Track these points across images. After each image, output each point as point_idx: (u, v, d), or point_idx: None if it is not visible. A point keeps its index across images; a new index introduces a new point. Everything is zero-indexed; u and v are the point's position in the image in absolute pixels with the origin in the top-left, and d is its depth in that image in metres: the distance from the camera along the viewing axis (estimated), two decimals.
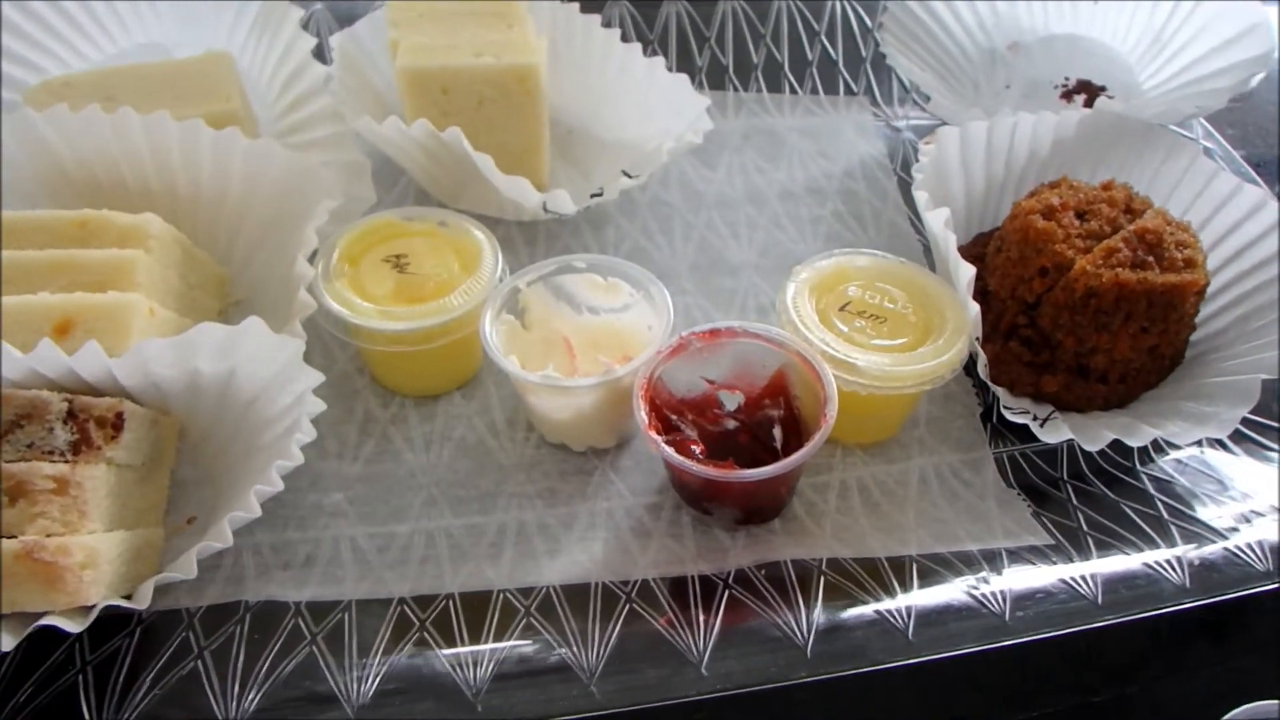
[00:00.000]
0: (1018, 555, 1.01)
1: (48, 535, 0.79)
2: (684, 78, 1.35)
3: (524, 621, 0.94)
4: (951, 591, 0.97)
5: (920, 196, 1.14)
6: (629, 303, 1.08)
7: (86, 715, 0.84)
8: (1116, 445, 1.05)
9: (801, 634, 0.93)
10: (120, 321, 0.90)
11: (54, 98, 1.12)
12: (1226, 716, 0.87)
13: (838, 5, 1.62)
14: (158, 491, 0.97)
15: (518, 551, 1.00)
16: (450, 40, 1.24)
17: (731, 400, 1.04)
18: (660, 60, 1.36)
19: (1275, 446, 1.12)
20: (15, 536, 0.78)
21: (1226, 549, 1.02)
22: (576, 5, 1.40)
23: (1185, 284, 1.03)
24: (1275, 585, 0.98)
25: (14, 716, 0.84)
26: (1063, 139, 1.26)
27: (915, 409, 1.14)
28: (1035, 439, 1.07)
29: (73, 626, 0.81)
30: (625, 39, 1.40)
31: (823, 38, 1.61)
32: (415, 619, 0.94)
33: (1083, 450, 1.09)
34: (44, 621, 0.80)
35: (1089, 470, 1.11)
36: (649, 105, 1.38)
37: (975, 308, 1.03)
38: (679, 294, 1.25)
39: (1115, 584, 0.98)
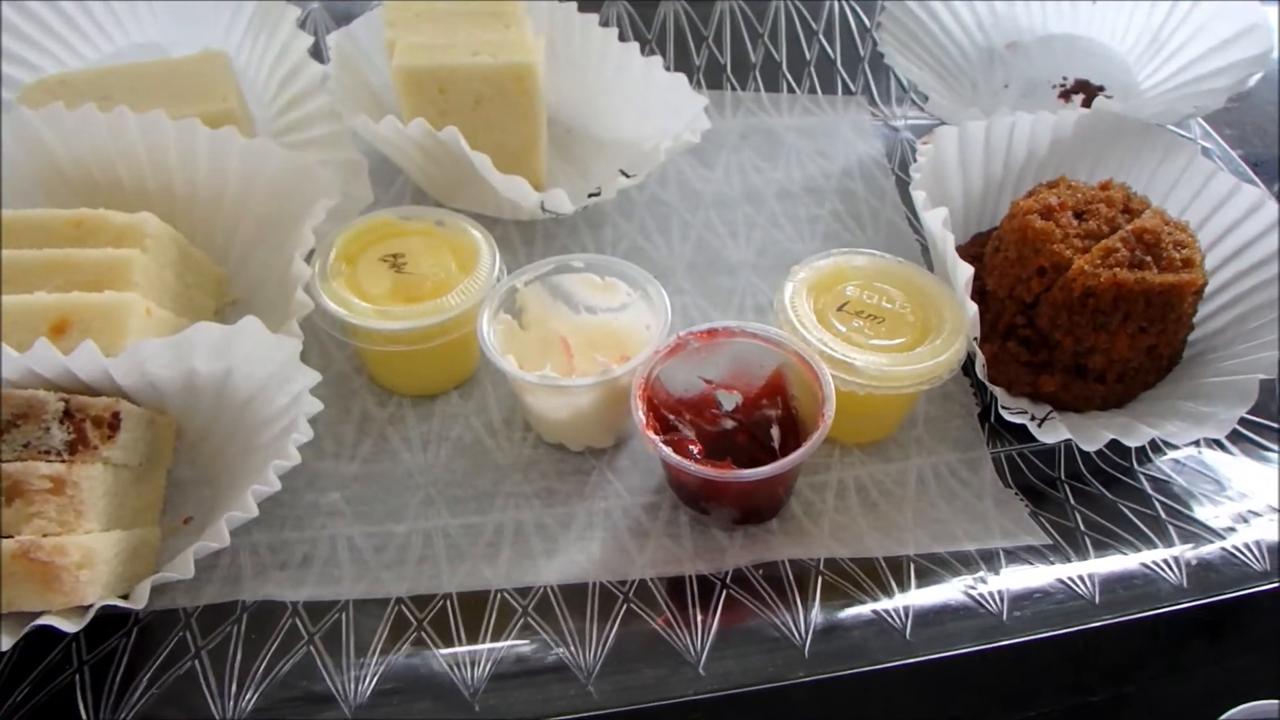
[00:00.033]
0: (1015, 555, 1.01)
1: (44, 535, 0.79)
2: (681, 77, 1.34)
3: (521, 621, 0.94)
4: (949, 591, 0.97)
5: (918, 196, 1.14)
6: (626, 302, 1.08)
7: (84, 715, 0.84)
8: (1114, 445, 1.05)
9: (799, 634, 0.93)
10: (117, 321, 0.90)
11: (50, 97, 1.12)
12: (1223, 716, 0.87)
13: (836, 4, 1.62)
14: (154, 491, 0.97)
15: (515, 551, 1.00)
16: (447, 39, 1.24)
17: (729, 400, 1.04)
18: (658, 60, 1.36)
19: (1273, 447, 1.13)
20: (12, 536, 0.78)
21: (1224, 549, 1.02)
22: (574, 4, 1.40)
23: (1183, 284, 1.03)
24: (1272, 585, 0.98)
25: (11, 716, 0.84)
26: (1061, 139, 1.26)
27: (913, 409, 1.14)
28: (1033, 439, 1.07)
29: (70, 626, 0.81)
30: (623, 38, 1.40)
31: (821, 37, 1.61)
32: (413, 619, 0.94)
33: (1080, 450, 1.09)
34: (41, 621, 0.80)
35: (1086, 470, 1.12)
36: (647, 105, 1.38)
37: (973, 307, 1.03)
38: (676, 293, 1.26)
39: (1113, 584, 0.98)
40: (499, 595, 0.96)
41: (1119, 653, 0.97)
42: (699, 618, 0.94)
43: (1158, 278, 1.03)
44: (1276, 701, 0.88)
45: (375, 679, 0.89)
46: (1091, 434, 1.04)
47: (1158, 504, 1.07)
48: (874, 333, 1.04)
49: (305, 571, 0.98)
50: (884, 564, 1.00)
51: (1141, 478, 1.10)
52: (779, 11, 1.60)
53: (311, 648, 0.91)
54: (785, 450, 0.98)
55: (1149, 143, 1.25)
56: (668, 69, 1.36)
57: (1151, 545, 1.02)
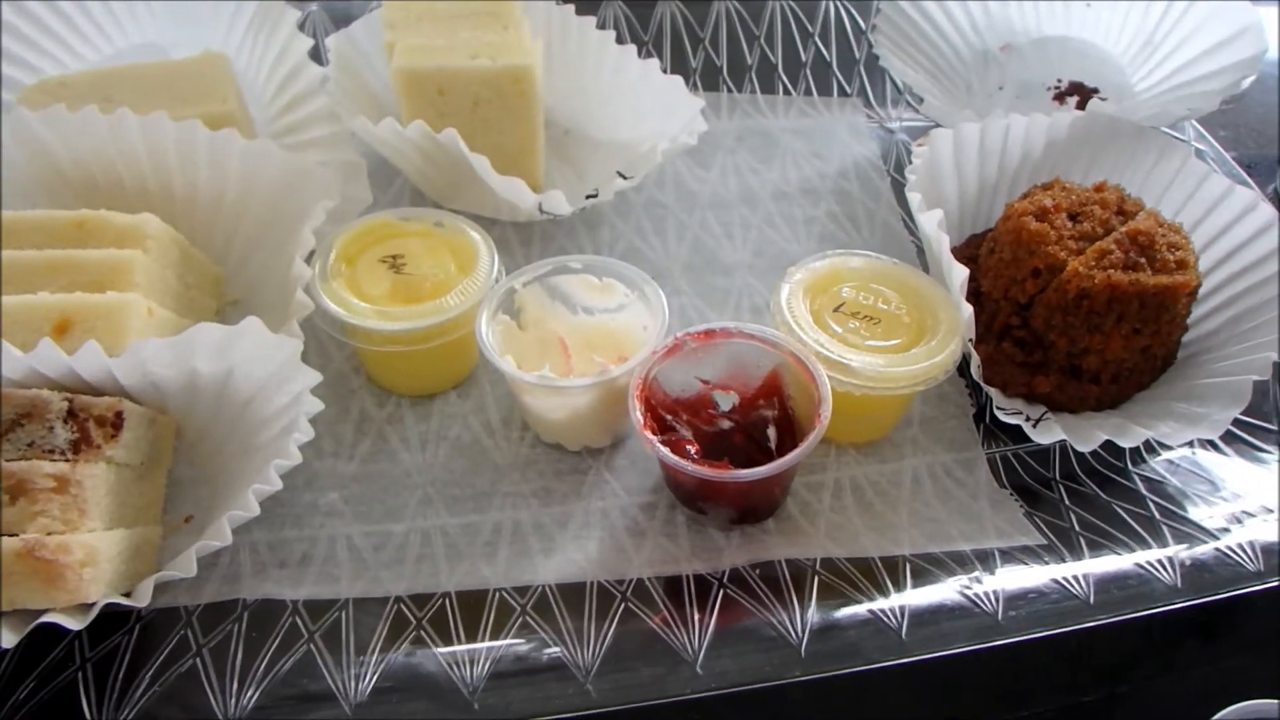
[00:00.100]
0: (1010, 555, 1.02)
1: (48, 533, 0.79)
2: (678, 79, 1.35)
3: (520, 620, 0.95)
4: (944, 591, 0.98)
5: (914, 198, 1.15)
6: (624, 303, 1.08)
7: (87, 712, 0.85)
8: (1108, 446, 1.05)
9: (796, 633, 0.93)
10: (119, 321, 0.91)
11: (50, 98, 1.12)
12: (1217, 716, 0.88)
13: (831, 6, 1.63)
14: (155, 490, 0.98)
15: (513, 550, 1.01)
16: (446, 41, 1.25)
17: (726, 400, 1.04)
18: (655, 62, 1.37)
19: (1266, 447, 1.13)
20: (16, 535, 0.79)
21: (1217, 549, 1.02)
22: (571, 7, 1.40)
23: (1177, 285, 1.04)
24: (1265, 585, 0.99)
25: (14, 713, 0.84)
26: (1055, 141, 1.27)
27: (909, 409, 1.14)
28: (1028, 439, 1.08)
29: (73, 624, 0.82)
30: (619, 40, 1.40)
31: (816, 39, 1.62)
32: (412, 617, 0.94)
33: (1075, 451, 1.09)
34: (44, 619, 0.81)
35: (1081, 470, 1.12)
36: (643, 107, 1.38)
37: (968, 309, 1.04)
38: (673, 294, 1.26)
39: (1107, 584, 0.99)
40: (497, 594, 0.97)
41: (1113, 652, 0.97)
42: (696, 617, 0.95)
43: (1152, 279, 1.03)
44: (1270, 701, 0.89)
45: (375, 677, 0.89)
46: (1086, 435, 1.05)
47: (1152, 504, 1.07)
48: (870, 334, 1.04)
49: (304, 570, 0.98)
50: (880, 564, 1.00)
51: (1136, 478, 1.11)
52: (775, 14, 1.61)
53: (311, 646, 0.91)
54: (782, 450, 0.98)
55: (1143, 145, 1.25)
56: (664, 71, 1.37)
57: (1146, 545, 1.03)
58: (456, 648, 0.92)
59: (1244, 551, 1.01)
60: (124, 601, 0.86)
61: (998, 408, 1.08)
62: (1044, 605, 0.97)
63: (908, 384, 1.01)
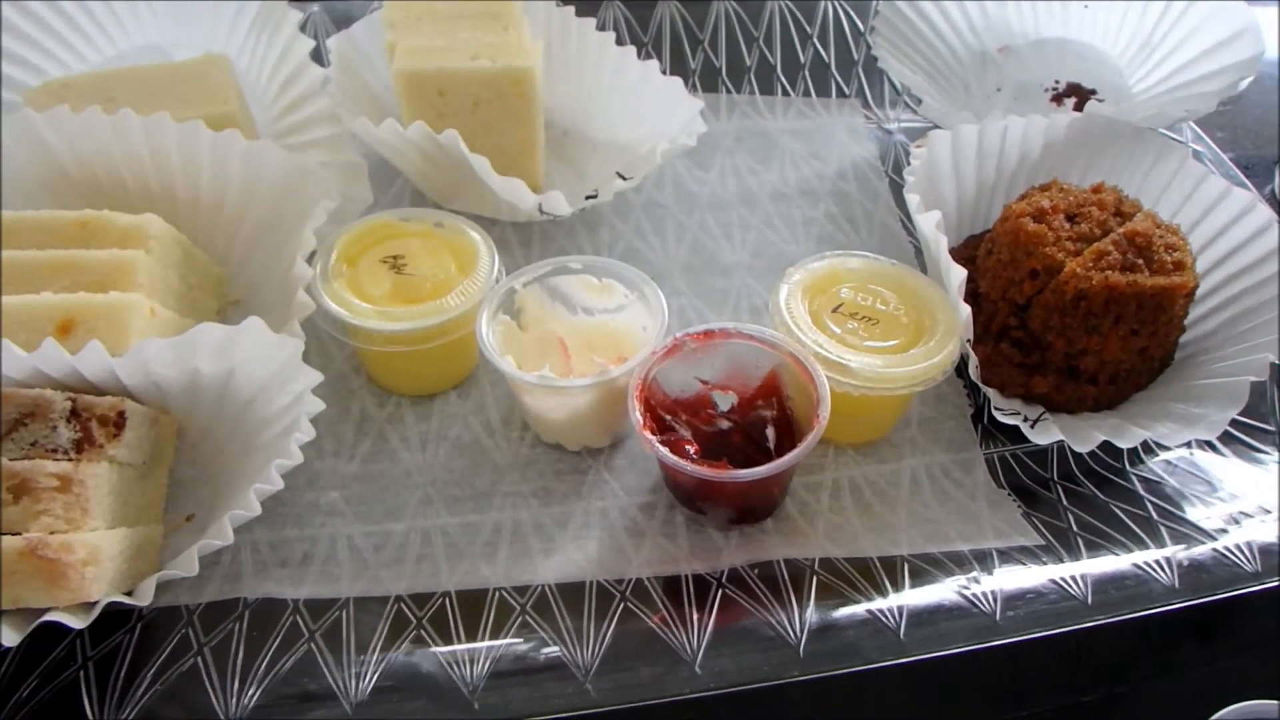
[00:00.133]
0: (1008, 555, 1.02)
1: (51, 532, 0.80)
2: (677, 80, 1.35)
3: (519, 620, 0.95)
4: (942, 591, 0.98)
5: (912, 199, 1.15)
6: (624, 304, 1.08)
7: (88, 711, 0.85)
8: (1106, 446, 1.05)
9: (794, 633, 0.93)
10: (121, 321, 0.91)
11: (53, 99, 1.13)
12: (1215, 716, 0.88)
13: (830, 8, 1.63)
14: (157, 489, 0.98)
15: (513, 550, 1.01)
16: (447, 42, 1.25)
17: (725, 401, 1.04)
18: (654, 63, 1.37)
19: (1264, 448, 1.13)
20: (19, 534, 0.79)
21: (1215, 550, 1.02)
22: (571, 8, 1.40)
23: (1174, 286, 1.04)
24: (1263, 586, 0.99)
25: (16, 711, 0.85)
26: (1053, 142, 1.27)
27: (907, 410, 1.15)
28: (1026, 440, 1.08)
29: (75, 623, 0.82)
30: (618, 41, 1.40)
31: (815, 40, 1.62)
32: (412, 617, 0.95)
33: (1073, 451, 1.10)
34: (47, 618, 0.81)
35: (1079, 471, 1.12)
36: (643, 108, 1.39)
37: (966, 310, 1.04)
38: (672, 295, 1.26)
39: (1105, 584, 0.99)
40: (497, 594, 0.97)
41: (1111, 653, 0.97)
42: (695, 617, 0.95)
43: (1149, 280, 1.03)
44: (1268, 702, 0.89)
45: (375, 676, 0.89)
46: (1084, 435, 1.05)
47: (1150, 505, 1.08)
48: (868, 334, 1.04)
49: (305, 569, 0.98)
50: (878, 564, 1.01)
51: (1133, 479, 1.11)
52: (773, 15, 1.61)
53: (312, 645, 0.92)
54: (780, 451, 0.98)
55: (1141, 146, 1.26)
56: (663, 72, 1.37)
57: (1143, 546, 1.03)
58: (456, 647, 0.92)
59: (1242, 552, 1.02)
60: (126, 600, 0.87)
61: (996, 408, 1.09)
62: (1042, 605, 0.97)
63: (906, 384, 1.01)
